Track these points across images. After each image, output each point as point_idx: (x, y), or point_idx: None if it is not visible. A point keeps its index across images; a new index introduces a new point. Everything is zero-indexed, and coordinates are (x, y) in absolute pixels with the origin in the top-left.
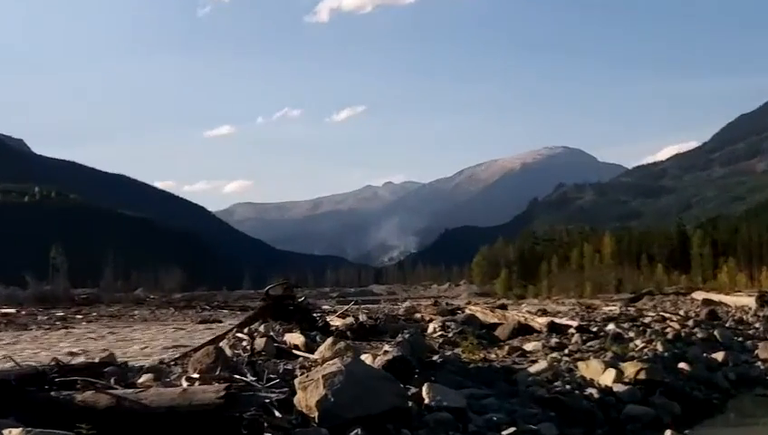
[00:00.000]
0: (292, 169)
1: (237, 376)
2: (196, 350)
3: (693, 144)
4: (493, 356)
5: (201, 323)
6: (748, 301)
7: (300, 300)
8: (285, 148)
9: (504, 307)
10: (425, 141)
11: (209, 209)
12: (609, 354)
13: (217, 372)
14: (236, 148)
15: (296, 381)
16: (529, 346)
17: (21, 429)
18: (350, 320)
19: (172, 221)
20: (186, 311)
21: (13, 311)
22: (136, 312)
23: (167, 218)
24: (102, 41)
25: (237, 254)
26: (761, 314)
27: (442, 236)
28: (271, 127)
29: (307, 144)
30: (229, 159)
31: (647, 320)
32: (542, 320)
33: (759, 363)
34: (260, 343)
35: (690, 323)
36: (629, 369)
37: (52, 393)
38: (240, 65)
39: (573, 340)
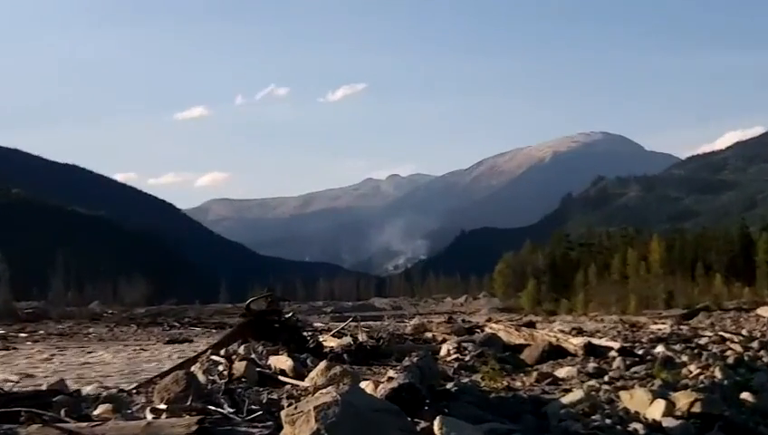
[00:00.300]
0: (277, 159)
1: (212, 407)
2: (162, 375)
3: (758, 130)
4: (518, 384)
5: (169, 343)
6: None
7: (287, 316)
8: (270, 133)
9: (531, 325)
10: (437, 126)
11: (178, 207)
12: (658, 382)
13: (188, 403)
14: (211, 133)
15: (283, 414)
16: (562, 372)
17: None
18: (347, 340)
19: (134, 221)
20: (151, 328)
21: None
22: (91, 330)
23: (127, 217)
24: (48, 10)
25: (212, 260)
26: None
27: (457, 239)
28: (253, 108)
29: (296, 129)
30: (203, 146)
31: (703, 341)
32: (578, 341)
33: None
34: (239, 367)
35: (755, 344)
36: (682, 400)
37: None
38: (215, 34)
39: (615, 365)
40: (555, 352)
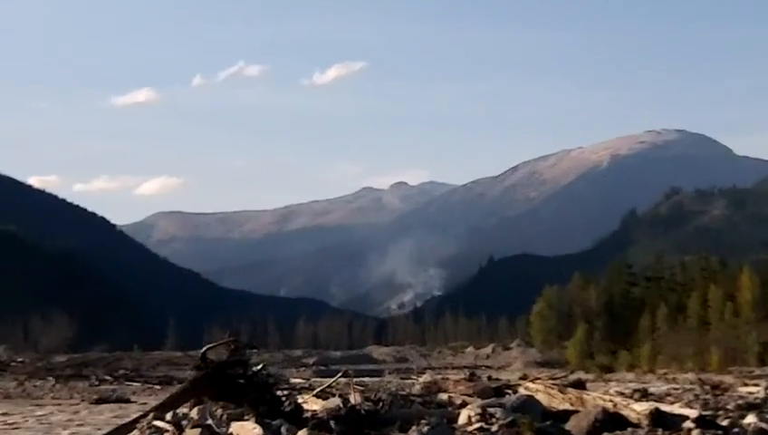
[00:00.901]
0: (246, 161)
1: None
2: None
3: None
4: None
5: (98, 402)
6: None
7: (256, 369)
8: (237, 126)
9: (580, 385)
10: (458, 119)
11: (114, 222)
12: None
13: None
14: (159, 124)
15: None
16: None
17: None
18: (335, 402)
19: (54, 240)
20: (74, 383)
21: None
22: None
23: (45, 235)
24: None
25: (157, 294)
26: None
27: (483, 269)
28: (215, 92)
29: (272, 121)
30: (148, 142)
31: None
32: (642, 407)
33: None
34: None
35: None
36: None
37: None
38: None
39: None
40: (612, 422)
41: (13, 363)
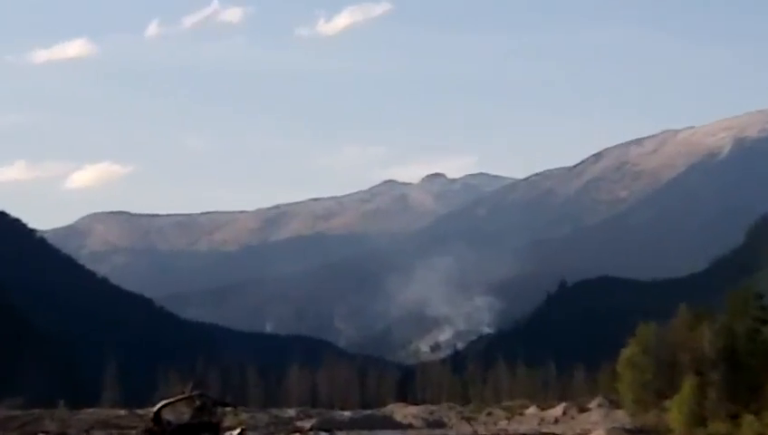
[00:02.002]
0: (218, 143)
1: None
2: None
3: None
4: None
5: None
6: None
7: (230, 434)
8: (206, 93)
9: None
10: (516, 85)
11: (32, 226)
12: None
13: None
14: (96, 91)
15: None
16: None
17: None
18: None
19: None
20: None
21: None
22: None
23: None
24: None
25: (92, 328)
26: None
27: (551, 299)
28: (176, 45)
29: (255, 86)
30: (80, 114)
31: None
32: None
33: None
34: None
35: None
36: None
37: None
38: None
39: None
40: None
41: None
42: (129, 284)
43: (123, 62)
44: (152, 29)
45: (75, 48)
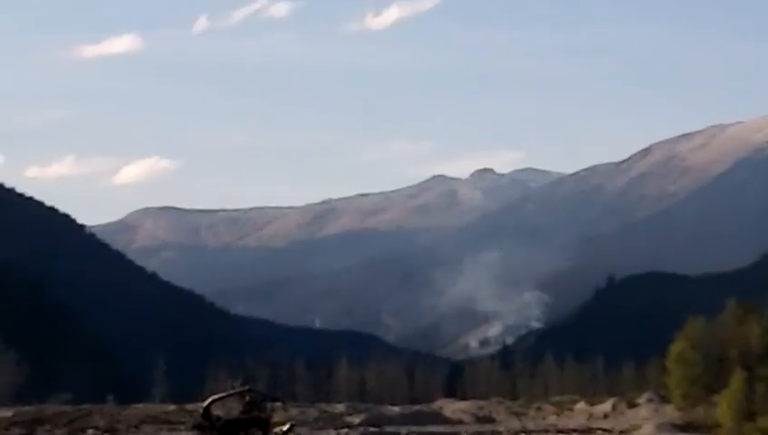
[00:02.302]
0: (266, 138)
1: None
2: None
3: None
4: None
5: None
6: None
7: (280, 430)
8: (255, 88)
9: None
10: (565, 81)
11: (81, 222)
12: None
13: None
14: (145, 86)
15: None
16: None
17: None
18: None
19: None
20: None
21: None
22: None
23: None
24: None
25: (141, 324)
26: None
27: (599, 294)
28: (224, 41)
29: (303, 81)
30: (129, 109)
31: None
32: None
33: None
34: None
35: None
36: None
37: None
38: None
39: None
40: None
41: None
42: (179, 279)
43: (171, 58)
44: (200, 24)
45: (124, 43)
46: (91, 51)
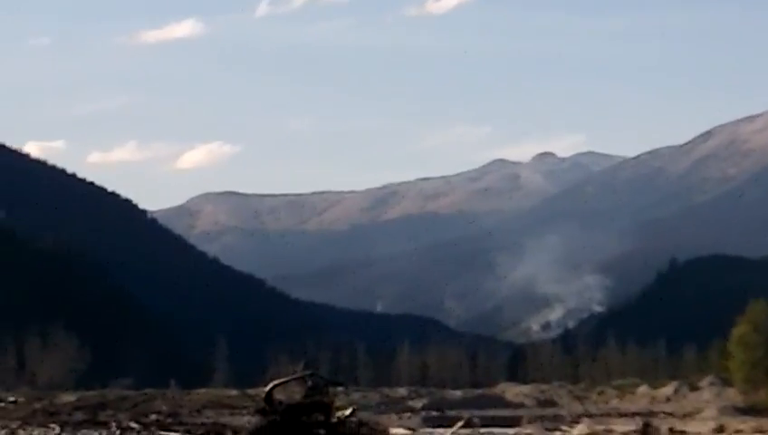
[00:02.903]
0: (327, 122)
1: None
2: None
3: None
4: None
5: None
6: None
7: (342, 414)
8: (316, 72)
9: None
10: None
11: (143, 207)
12: None
13: None
14: (206, 71)
15: None
16: None
17: None
18: None
19: (58, 232)
20: (88, 431)
21: None
22: None
23: (46, 225)
24: None
25: (202, 308)
26: None
27: (661, 277)
28: (285, 25)
29: (364, 65)
30: (190, 94)
31: None
32: None
33: None
34: None
35: None
36: None
37: None
38: None
39: None
40: None
41: (1, 404)
42: (239, 264)
43: (233, 43)
44: (262, 9)
45: (185, 28)
46: (152, 36)
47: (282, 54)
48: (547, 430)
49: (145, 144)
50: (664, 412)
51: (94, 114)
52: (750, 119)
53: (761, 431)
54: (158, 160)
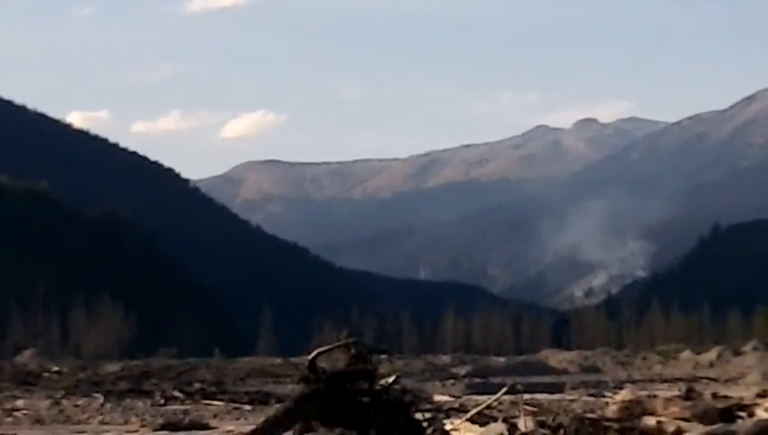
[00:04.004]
0: (371, 90)
1: None
2: None
3: None
4: None
5: (165, 428)
6: None
7: (385, 383)
8: (360, 41)
9: None
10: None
11: (186, 176)
12: None
13: None
14: (251, 40)
15: None
16: None
17: None
18: (497, 428)
19: (102, 201)
20: (131, 401)
21: None
22: (19, 403)
23: (89, 195)
24: None
25: (246, 277)
26: None
27: (704, 243)
28: None
29: (407, 33)
30: (234, 63)
31: None
32: None
33: None
34: None
35: None
36: None
37: None
38: None
39: None
40: None
41: (46, 374)
42: (283, 232)
43: (277, 11)
44: None
45: None
46: (197, 5)
47: (328, 22)
48: (590, 395)
49: (190, 113)
50: (707, 378)
51: (139, 84)
52: None
53: None
54: (203, 130)
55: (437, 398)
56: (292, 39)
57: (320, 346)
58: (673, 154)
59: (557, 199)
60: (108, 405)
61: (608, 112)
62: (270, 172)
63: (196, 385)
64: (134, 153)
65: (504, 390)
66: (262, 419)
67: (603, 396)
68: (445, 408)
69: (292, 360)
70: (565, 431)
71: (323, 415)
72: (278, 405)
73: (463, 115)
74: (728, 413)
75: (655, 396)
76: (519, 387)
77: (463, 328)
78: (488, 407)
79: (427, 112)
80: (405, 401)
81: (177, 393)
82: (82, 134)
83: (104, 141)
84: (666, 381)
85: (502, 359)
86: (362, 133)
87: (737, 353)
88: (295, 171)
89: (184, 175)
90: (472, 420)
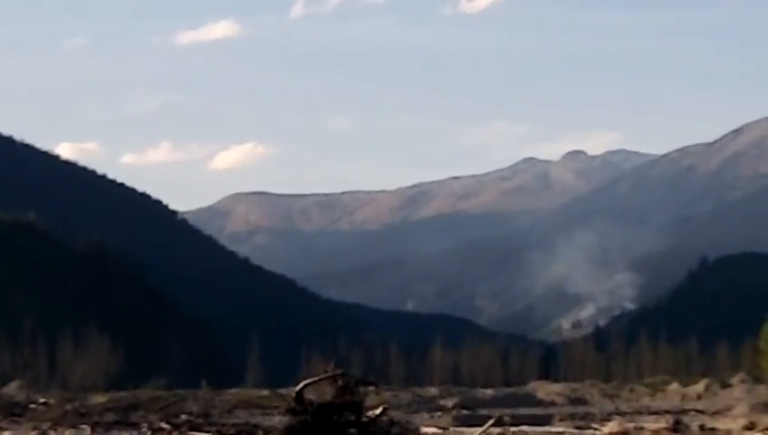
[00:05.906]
0: (359, 121)
1: None
2: None
3: None
4: None
5: None
6: None
7: (373, 413)
8: (350, 72)
9: None
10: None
11: (174, 208)
12: None
13: None
14: (241, 71)
15: None
16: None
17: None
18: None
19: (90, 233)
20: (118, 432)
21: None
22: (6, 434)
23: (78, 227)
24: None
25: (234, 309)
26: None
27: (693, 275)
28: (321, 26)
29: (398, 65)
30: (225, 95)
31: None
32: None
33: None
34: None
35: None
36: None
37: None
38: None
39: None
40: None
41: (33, 406)
42: (271, 264)
43: (268, 43)
44: (297, 10)
45: (221, 29)
46: (188, 37)
47: (317, 55)
48: (578, 427)
49: (179, 145)
50: (695, 410)
51: (129, 115)
52: None
53: None
54: (192, 161)
55: (425, 430)
56: (282, 71)
57: (307, 377)
58: (661, 186)
59: (545, 231)
60: None
61: (596, 144)
62: (258, 204)
63: (183, 417)
64: (122, 185)
65: (492, 421)
66: None
67: (591, 428)
68: None
69: (280, 391)
70: None
71: None
72: None
73: (451, 147)
74: None
75: (642, 428)
76: (507, 419)
77: (451, 360)
78: None
79: (414, 144)
80: (392, 433)
81: (164, 425)
82: (71, 165)
83: (92, 173)
84: (653, 413)
85: (490, 391)
86: (350, 165)
87: (725, 386)
88: (283, 203)
89: (172, 206)
90: None
